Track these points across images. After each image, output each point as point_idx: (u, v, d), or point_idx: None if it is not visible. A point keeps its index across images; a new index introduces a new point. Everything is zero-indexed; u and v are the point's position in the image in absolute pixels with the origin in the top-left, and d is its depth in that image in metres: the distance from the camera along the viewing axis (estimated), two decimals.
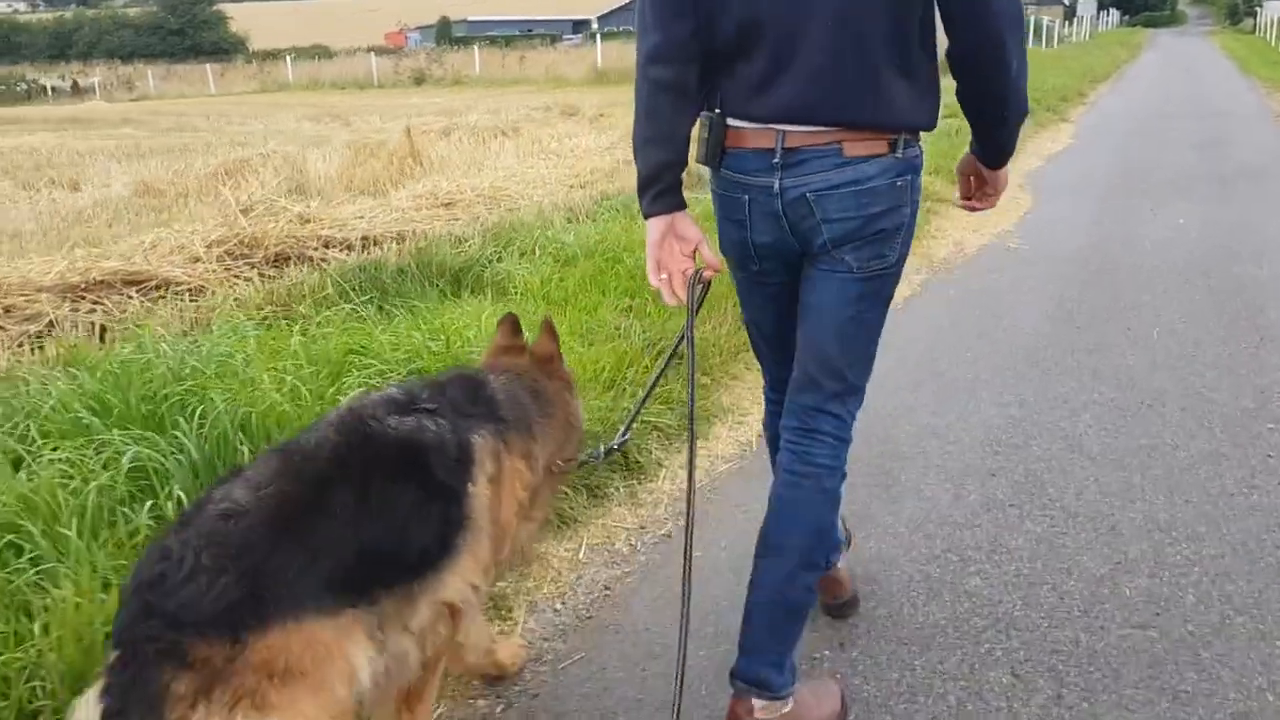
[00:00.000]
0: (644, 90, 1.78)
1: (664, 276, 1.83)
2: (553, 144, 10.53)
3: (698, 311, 1.86)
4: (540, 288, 4.46)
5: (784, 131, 1.77)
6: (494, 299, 4.29)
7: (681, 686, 1.70)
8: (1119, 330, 4.60)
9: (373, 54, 33.57)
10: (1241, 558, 2.64)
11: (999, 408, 3.70)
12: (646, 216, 1.84)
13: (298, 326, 3.62)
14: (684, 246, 1.82)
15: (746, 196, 1.85)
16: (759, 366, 2.29)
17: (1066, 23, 40.98)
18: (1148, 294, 5.21)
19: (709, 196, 2.01)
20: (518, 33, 63.82)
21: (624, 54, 29.37)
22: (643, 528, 2.90)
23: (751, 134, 1.81)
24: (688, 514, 1.79)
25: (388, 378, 3.06)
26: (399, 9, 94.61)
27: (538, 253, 5.08)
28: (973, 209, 2.10)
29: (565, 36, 61.63)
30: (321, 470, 1.57)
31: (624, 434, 2.23)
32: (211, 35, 70.19)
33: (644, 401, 2.31)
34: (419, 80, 29.52)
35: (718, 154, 1.86)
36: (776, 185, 1.80)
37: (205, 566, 1.39)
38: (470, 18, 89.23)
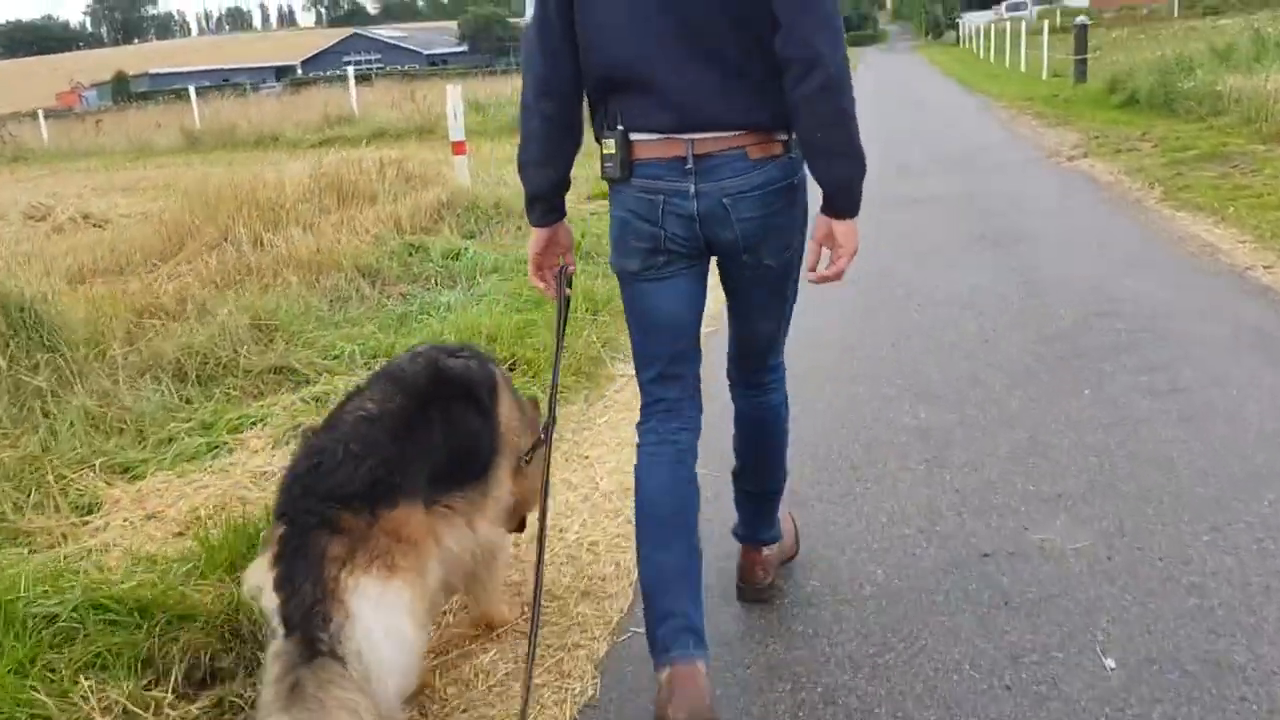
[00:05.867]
0: (535, 122, 2.03)
1: (542, 283, 2.26)
2: None
3: (569, 301, 2.31)
4: None
5: (693, 140, 1.92)
6: None
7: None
8: None
9: None
10: None
11: None
12: (535, 226, 2.17)
13: None
14: (558, 250, 2.22)
15: (660, 198, 1.99)
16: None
17: None
18: None
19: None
20: (209, 84, 55.35)
21: (225, 110, 23.33)
22: None
23: (660, 144, 1.95)
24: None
25: None
26: (76, 66, 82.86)
27: None
28: (824, 280, 2.03)
29: (265, 85, 54.45)
30: (421, 392, 2.12)
31: (550, 414, 2.38)
32: None
33: (557, 375, 2.37)
34: None
35: (628, 168, 1.99)
36: (692, 189, 1.96)
37: (354, 454, 1.87)
38: (152, 70, 79.05)
